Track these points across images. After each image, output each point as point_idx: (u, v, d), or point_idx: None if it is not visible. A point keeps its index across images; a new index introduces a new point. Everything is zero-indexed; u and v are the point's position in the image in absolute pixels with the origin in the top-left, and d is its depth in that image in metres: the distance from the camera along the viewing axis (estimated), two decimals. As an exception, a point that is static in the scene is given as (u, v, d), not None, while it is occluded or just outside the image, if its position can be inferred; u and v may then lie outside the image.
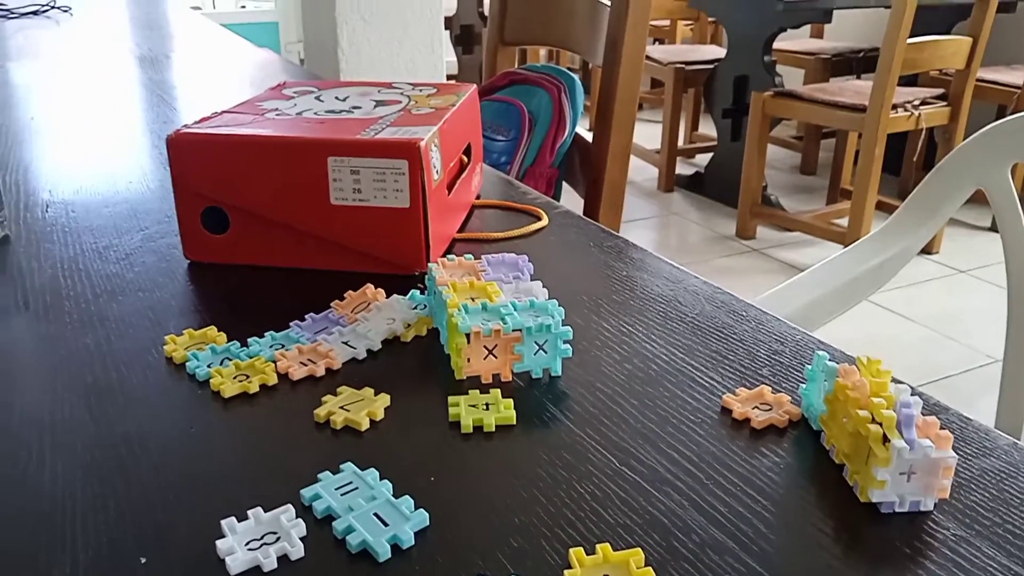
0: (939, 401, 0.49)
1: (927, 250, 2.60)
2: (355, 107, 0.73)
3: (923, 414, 0.45)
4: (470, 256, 0.58)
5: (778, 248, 2.70)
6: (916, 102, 2.46)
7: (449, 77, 3.00)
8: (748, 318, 0.58)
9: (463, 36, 3.78)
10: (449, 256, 0.58)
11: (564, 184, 1.48)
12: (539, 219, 0.76)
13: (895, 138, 2.52)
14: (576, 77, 1.45)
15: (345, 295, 0.59)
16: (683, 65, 3.12)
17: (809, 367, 0.47)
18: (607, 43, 1.32)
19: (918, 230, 1.03)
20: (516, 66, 1.62)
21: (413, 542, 0.38)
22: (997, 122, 0.99)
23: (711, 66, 3.07)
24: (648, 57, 3.30)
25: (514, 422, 0.46)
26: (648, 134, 3.47)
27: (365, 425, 0.46)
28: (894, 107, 2.36)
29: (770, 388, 0.49)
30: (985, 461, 0.44)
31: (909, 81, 2.76)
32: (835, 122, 2.60)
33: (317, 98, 0.76)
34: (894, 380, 0.45)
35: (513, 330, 0.50)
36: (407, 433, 0.46)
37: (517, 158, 1.43)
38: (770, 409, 0.47)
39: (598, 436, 0.46)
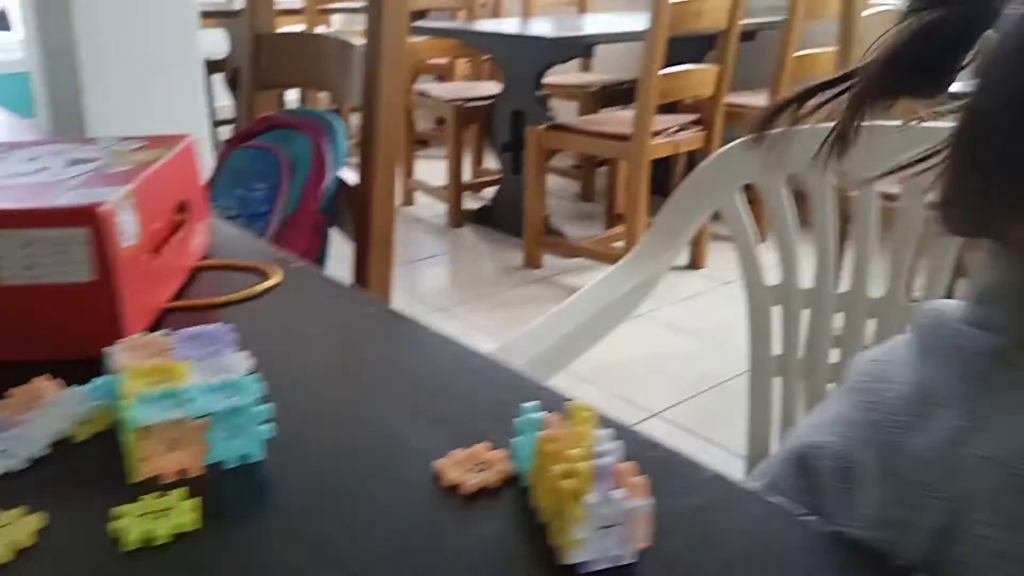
0: (648, 438, 0.48)
1: (695, 265, 2.78)
2: (42, 168, 0.64)
3: (640, 453, 0.44)
4: (167, 331, 0.52)
5: (563, 275, 2.79)
6: (675, 128, 2.64)
7: (223, 123, 2.85)
8: (473, 369, 0.56)
9: (237, 79, 3.62)
10: (135, 335, 0.51)
11: (334, 230, 1.43)
12: (269, 278, 0.71)
13: (661, 162, 2.68)
14: (337, 120, 1.40)
15: (9, 392, 0.50)
16: (462, 102, 3.17)
17: (518, 420, 0.45)
18: (364, 86, 1.29)
19: (664, 254, 1.08)
20: (279, 110, 1.55)
21: None
22: (725, 147, 1.05)
23: (489, 102, 3.14)
24: (427, 95, 3.32)
25: (198, 526, 0.41)
26: (435, 170, 3.49)
27: (6, 558, 0.39)
28: (655, 134, 2.52)
29: (487, 446, 0.47)
30: (690, 499, 0.44)
31: (670, 108, 2.96)
32: (604, 151, 2.73)
33: (0, 161, 0.67)
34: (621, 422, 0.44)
35: (197, 417, 0.44)
36: (62, 560, 0.39)
37: (278, 206, 1.36)
38: (485, 469, 0.45)
39: (296, 530, 0.41)
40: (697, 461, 0.46)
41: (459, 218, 3.28)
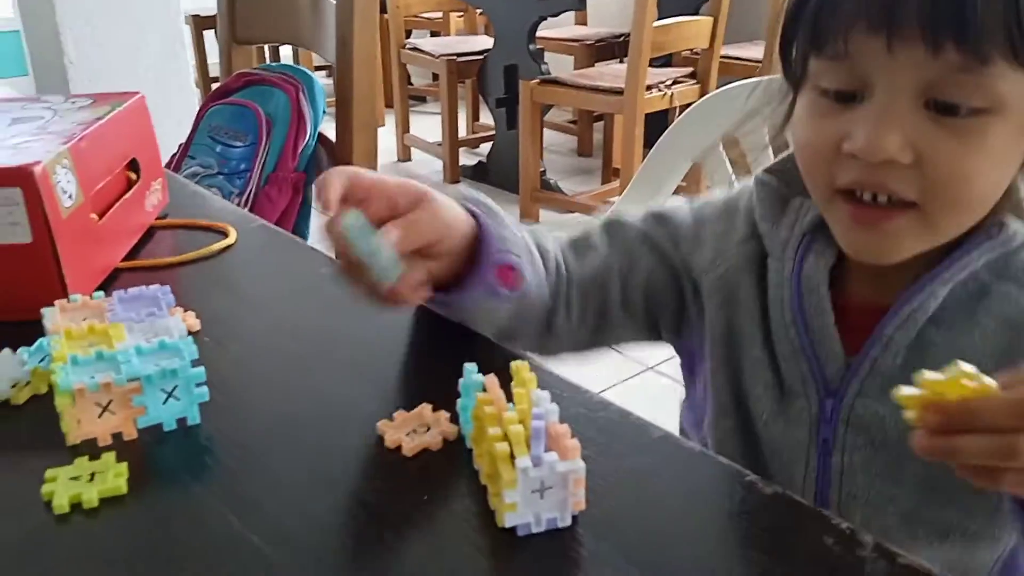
0: (604, 399, 0.47)
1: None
2: (-18, 127, 0.62)
3: (591, 414, 0.43)
4: (100, 294, 0.50)
5: (559, 230, 2.76)
6: (668, 82, 2.58)
7: (213, 80, 2.81)
8: (425, 330, 0.55)
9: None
10: (72, 297, 0.50)
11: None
12: (225, 236, 0.69)
13: (658, 116, 2.64)
14: (314, 75, 1.37)
15: (-55, 356, 0.49)
16: (455, 57, 3.11)
17: (463, 380, 0.43)
18: (338, 42, 1.25)
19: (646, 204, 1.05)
20: (255, 65, 1.52)
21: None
22: (704, 97, 1.02)
23: (483, 56, 3.08)
24: (420, 50, 3.26)
25: (123, 491, 0.40)
26: (431, 126, 3.44)
27: (-68, 522, 0.38)
28: (648, 88, 2.47)
29: (431, 406, 0.46)
30: (637, 460, 0.42)
31: (665, 62, 2.90)
32: (597, 106, 2.68)
33: (-61, 119, 0.65)
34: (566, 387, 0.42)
35: (129, 380, 0.43)
36: (-13, 523, 0.38)
37: (257, 164, 1.33)
38: (428, 430, 0.44)
39: (226, 495, 0.40)
40: (648, 422, 0.45)
41: (455, 174, 3.24)
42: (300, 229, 1.36)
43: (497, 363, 0.48)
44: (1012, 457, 0.35)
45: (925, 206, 0.46)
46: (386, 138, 3.69)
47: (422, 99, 4.07)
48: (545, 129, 3.05)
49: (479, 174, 3.22)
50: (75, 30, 1.93)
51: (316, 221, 1.39)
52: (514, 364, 0.42)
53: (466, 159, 3.35)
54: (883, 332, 0.50)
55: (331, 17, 1.26)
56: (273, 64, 1.46)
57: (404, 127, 3.45)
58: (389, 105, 3.63)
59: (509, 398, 0.40)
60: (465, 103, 3.66)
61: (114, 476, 0.40)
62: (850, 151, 0.46)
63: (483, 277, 0.50)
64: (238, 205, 1.31)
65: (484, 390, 0.41)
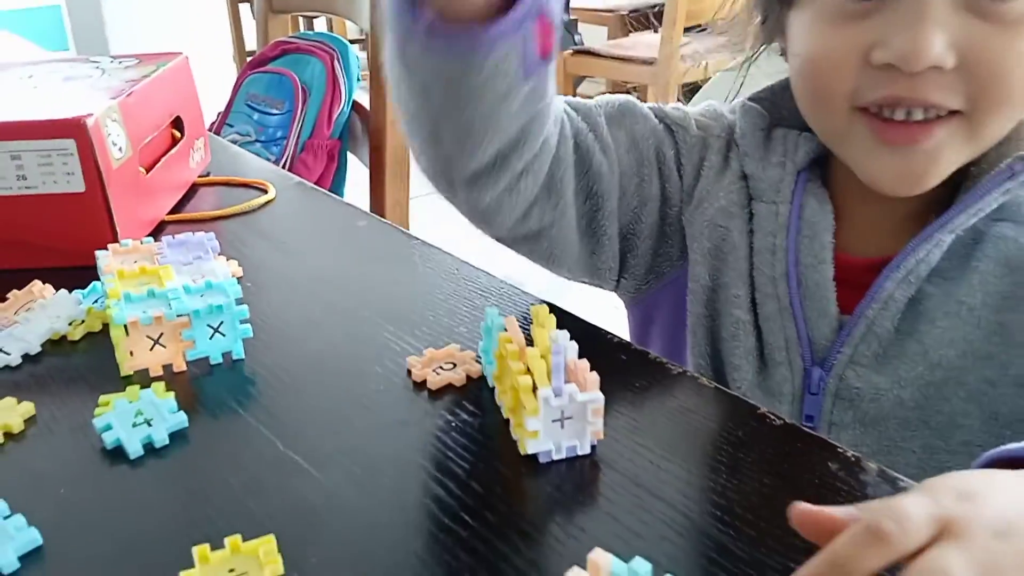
0: (623, 339, 0.49)
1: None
2: (35, 86, 0.65)
3: (613, 351, 0.45)
4: (149, 239, 0.53)
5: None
6: (703, 51, 2.57)
7: (249, 53, 2.84)
8: (456, 276, 0.57)
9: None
10: (124, 241, 0.53)
11: (350, 155, 1.44)
12: (265, 192, 0.72)
13: (693, 86, 2.62)
14: (348, 43, 1.39)
15: (8, 295, 0.53)
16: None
17: (484, 323, 0.46)
18: (371, 8, 1.27)
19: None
20: (290, 34, 1.54)
21: (17, 565, 0.33)
22: (722, 70, 1.02)
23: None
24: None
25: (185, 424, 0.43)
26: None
27: (-1, 440, 0.41)
28: (683, 58, 2.46)
29: (459, 346, 0.48)
30: (654, 394, 0.44)
31: (700, 31, 2.88)
32: (630, 76, 2.67)
33: (-5, 78, 0.68)
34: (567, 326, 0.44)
35: (179, 315, 0.46)
36: (48, 444, 0.41)
37: (293, 131, 1.36)
38: (453, 368, 0.46)
39: (270, 421, 0.43)
40: (666, 360, 0.47)
41: (487, 147, 3.25)
42: (335, 195, 1.39)
43: (519, 308, 0.51)
44: None
45: (971, 113, 0.42)
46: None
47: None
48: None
49: (511, 146, 3.23)
50: (115, 4, 1.98)
51: (350, 187, 1.41)
52: (533, 307, 0.44)
53: (499, 131, 3.35)
54: (883, 287, 0.46)
55: (366, -16, 1.27)
56: (309, 33, 1.48)
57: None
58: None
59: (529, 341, 0.42)
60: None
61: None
62: (884, 61, 0.41)
63: (519, 22, 0.38)
64: (275, 170, 1.34)
65: (505, 330, 0.43)
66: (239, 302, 0.47)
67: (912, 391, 0.46)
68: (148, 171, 0.64)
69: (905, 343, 0.46)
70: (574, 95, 2.84)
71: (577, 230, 0.52)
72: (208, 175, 0.78)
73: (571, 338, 0.41)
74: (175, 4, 1.86)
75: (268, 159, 1.36)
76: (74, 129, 0.55)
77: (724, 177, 0.52)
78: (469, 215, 0.50)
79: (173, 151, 0.69)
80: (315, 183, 1.38)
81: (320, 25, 3.72)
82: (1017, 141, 0.47)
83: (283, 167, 1.35)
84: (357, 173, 1.41)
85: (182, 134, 0.72)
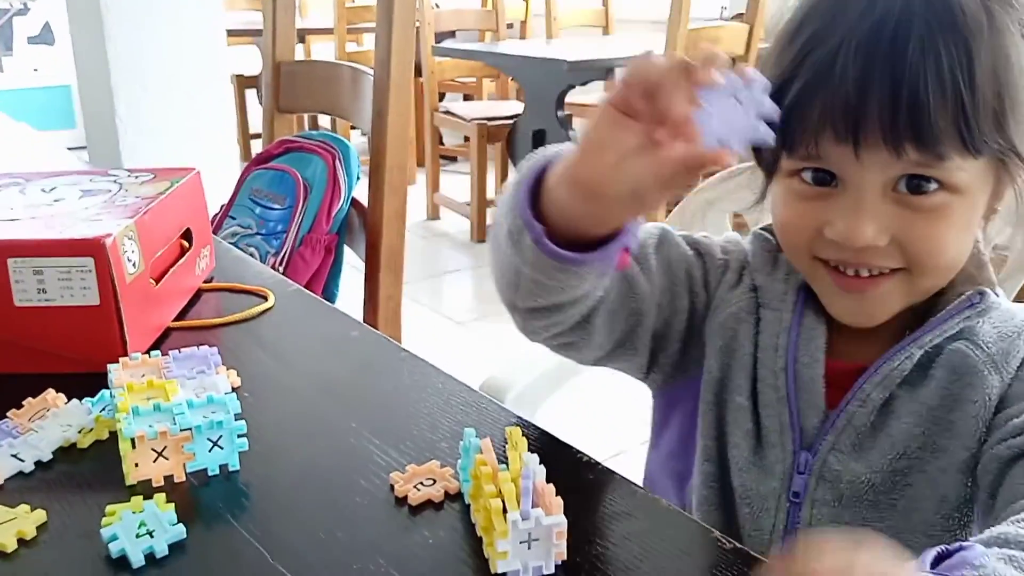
0: (591, 459, 0.53)
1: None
2: (57, 200, 0.71)
3: (581, 471, 0.49)
4: (157, 353, 0.58)
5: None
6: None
7: (254, 136, 2.94)
8: (441, 392, 0.61)
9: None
10: (133, 355, 0.57)
11: (347, 249, 1.49)
12: (265, 299, 0.77)
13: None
14: (350, 143, 1.47)
15: (24, 403, 0.57)
16: (486, 121, 3.24)
17: (463, 443, 0.50)
18: (374, 114, 1.35)
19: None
20: (295, 133, 1.62)
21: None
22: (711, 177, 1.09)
23: (512, 121, 3.21)
24: (453, 113, 3.40)
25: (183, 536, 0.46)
26: (462, 186, 3.56)
27: (12, 546, 0.44)
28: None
29: (439, 463, 0.52)
30: (617, 514, 0.48)
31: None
32: (622, 172, 2.77)
33: (21, 191, 0.74)
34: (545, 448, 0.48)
35: (182, 430, 0.50)
36: (58, 551, 0.45)
37: (293, 225, 1.42)
38: (433, 484, 0.50)
39: (260, 533, 0.46)
40: (631, 481, 0.51)
41: (483, 233, 3.34)
42: (330, 288, 1.44)
43: (498, 425, 0.55)
44: None
45: (912, 269, 0.51)
46: (416, 196, 3.81)
47: (453, 159, 4.20)
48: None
49: (505, 233, 3.32)
50: (128, 93, 2.07)
51: (346, 280, 1.47)
52: (508, 429, 0.48)
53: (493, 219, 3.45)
54: (862, 388, 0.54)
55: (368, 89, 1.36)
56: (313, 132, 1.56)
57: (434, 186, 3.57)
58: (421, 164, 3.76)
59: (503, 459, 0.46)
60: (495, 164, 3.78)
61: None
62: (831, 237, 0.51)
63: (610, 249, 0.47)
64: (274, 264, 1.39)
65: (481, 452, 0.48)
66: (238, 417, 0.51)
67: (882, 476, 0.54)
68: (157, 282, 0.69)
69: (878, 436, 0.54)
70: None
71: (614, 339, 0.59)
72: (212, 280, 0.83)
73: (543, 454, 0.45)
74: (185, 95, 1.95)
75: (268, 251, 1.41)
76: (94, 248, 0.60)
77: (737, 288, 0.60)
78: (518, 326, 0.57)
79: (181, 261, 0.74)
80: (312, 275, 1.44)
81: (324, 123, 3.85)
82: (979, 270, 0.56)
83: (282, 260, 1.41)
84: (351, 269, 1.47)
85: (190, 244, 0.77)
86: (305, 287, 1.43)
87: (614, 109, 0.42)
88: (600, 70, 2.80)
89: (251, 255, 1.41)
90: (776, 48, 0.54)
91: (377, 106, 1.33)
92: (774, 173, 0.57)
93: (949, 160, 0.48)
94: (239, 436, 0.51)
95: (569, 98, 3.03)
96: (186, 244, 0.77)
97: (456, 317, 2.63)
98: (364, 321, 1.41)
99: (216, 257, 0.87)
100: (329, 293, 1.45)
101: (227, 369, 0.62)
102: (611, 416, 1.96)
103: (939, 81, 0.47)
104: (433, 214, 3.58)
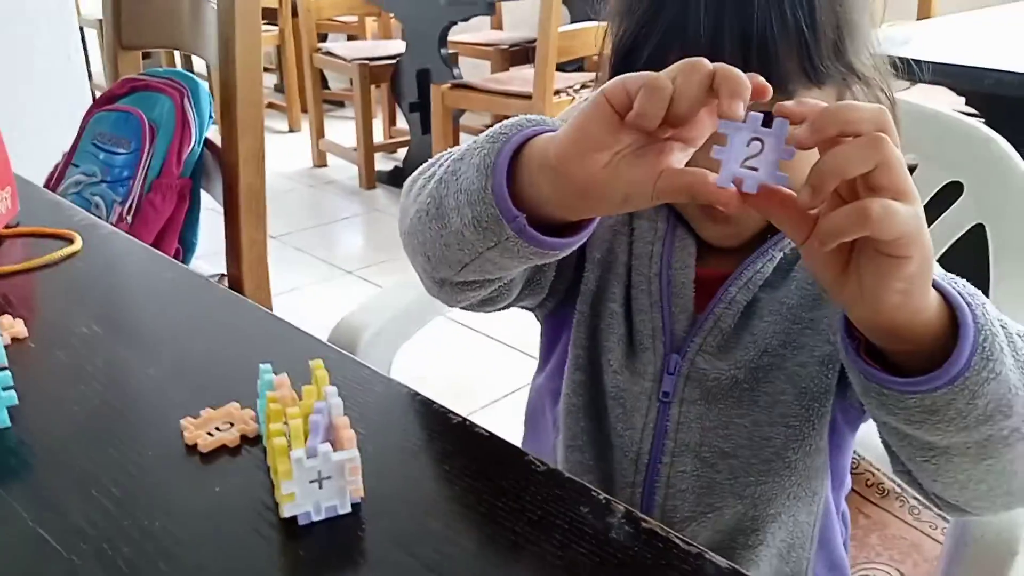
0: (410, 388, 0.49)
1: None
2: None
3: (392, 401, 0.45)
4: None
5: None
6: (577, 86, 2.64)
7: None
8: (256, 331, 0.56)
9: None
10: None
11: (204, 194, 1.40)
12: (71, 243, 0.69)
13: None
14: (200, 81, 1.37)
15: None
16: (368, 61, 3.11)
17: (259, 380, 0.45)
18: (220, 44, 1.25)
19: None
20: (140, 71, 1.50)
21: None
22: (569, 107, 1.06)
23: (396, 61, 3.09)
24: (333, 54, 3.25)
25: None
26: (349, 132, 3.43)
27: None
28: (557, 92, 2.52)
29: (239, 404, 0.47)
30: (431, 445, 0.45)
31: (579, 67, 2.96)
32: (506, 109, 2.72)
33: None
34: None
35: (-71, 386, 0.43)
36: None
37: (140, 171, 1.32)
38: (231, 428, 0.45)
39: (28, 497, 0.41)
40: (448, 410, 0.47)
41: (371, 179, 3.24)
42: (187, 236, 1.35)
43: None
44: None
45: None
46: (302, 143, 3.66)
47: (340, 104, 4.05)
48: (462, 133, 3.08)
49: (395, 179, 3.23)
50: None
51: (204, 227, 1.38)
52: (311, 363, 0.44)
53: (383, 164, 3.35)
54: (727, 292, 0.55)
55: (212, 18, 1.25)
56: (159, 70, 1.44)
57: (319, 132, 3.43)
58: (305, 110, 3.60)
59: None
60: (381, 108, 3.66)
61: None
62: None
63: (589, 229, 0.46)
64: (122, 213, 1.29)
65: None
66: (2, 368, 0.45)
67: (745, 373, 0.56)
68: (-67, 226, 0.61)
69: (741, 335, 0.56)
70: (456, 127, 2.86)
71: (524, 282, 0.58)
72: (17, 225, 0.74)
73: (352, 387, 0.41)
74: (28, 35, 1.79)
75: (114, 200, 1.31)
76: None
77: None
78: (439, 296, 0.55)
79: (-32, 203, 0.66)
80: (165, 224, 1.34)
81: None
82: None
83: (129, 208, 1.31)
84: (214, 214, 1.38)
85: (-20, 184, 0.69)
86: (158, 235, 1.34)
87: (610, 106, 0.39)
88: (481, 4, 2.72)
89: (96, 205, 1.30)
90: (623, 3, 0.53)
91: (223, 37, 1.24)
92: None
93: (796, 95, 0.49)
94: (4, 389, 0.45)
95: (452, 36, 2.94)
96: (-25, 185, 0.69)
97: (346, 266, 2.56)
98: (227, 269, 1.33)
99: (31, 202, 0.78)
100: (187, 242, 1.36)
101: (12, 319, 0.56)
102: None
103: (783, 25, 0.48)
104: (320, 161, 3.46)
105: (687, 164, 0.40)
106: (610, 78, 0.54)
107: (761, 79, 0.38)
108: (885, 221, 0.35)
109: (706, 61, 0.38)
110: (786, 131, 0.37)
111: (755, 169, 0.37)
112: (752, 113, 0.38)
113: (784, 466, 0.56)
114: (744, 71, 0.46)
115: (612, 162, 0.39)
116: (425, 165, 0.54)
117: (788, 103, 0.37)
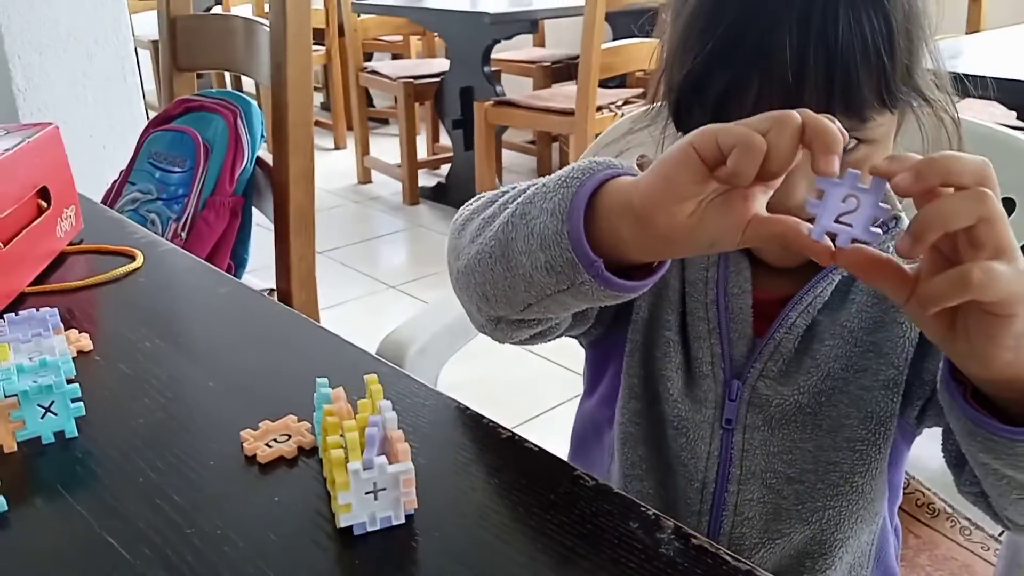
0: (460, 403, 0.50)
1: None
2: None
3: (441, 417, 0.46)
4: (-9, 317, 0.53)
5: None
6: (620, 102, 2.65)
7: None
8: (310, 345, 0.58)
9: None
10: (-38, 320, 0.52)
11: (256, 212, 1.44)
12: (132, 260, 0.72)
13: (610, 136, 2.69)
14: (252, 101, 1.40)
15: None
16: (412, 79, 3.15)
17: (316, 394, 0.47)
18: (272, 66, 1.29)
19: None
20: (195, 92, 1.55)
21: None
22: (617, 121, 1.07)
23: (439, 79, 3.13)
24: (378, 72, 3.31)
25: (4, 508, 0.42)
26: (393, 148, 3.48)
27: None
28: (599, 108, 2.53)
29: (296, 418, 0.49)
30: (481, 459, 0.46)
31: (620, 83, 2.96)
32: (549, 126, 2.74)
33: None
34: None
35: (7, 396, 0.46)
36: None
37: (194, 189, 1.36)
38: (288, 439, 0.47)
39: (96, 505, 0.43)
40: (498, 424, 0.48)
41: (415, 195, 3.28)
42: (239, 252, 1.38)
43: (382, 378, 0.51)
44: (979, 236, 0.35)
45: None
46: (347, 160, 3.72)
47: (384, 121, 4.11)
48: (505, 149, 3.10)
49: (439, 195, 3.26)
50: (23, 59, 1.95)
51: (254, 243, 1.41)
52: (365, 377, 0.45)
53: (426, 180, 3.39)
54: (787, 316, 0.55)
55: (265, 42, 1.29)
56: (213, 91, 1.49)
57: (364, 149, 3.48)
58: (351, 128, 3.66)
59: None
60: (425, 125, 3.70)
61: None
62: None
63: (663, 269, 0.45)
64: (177, 230, 1.33)
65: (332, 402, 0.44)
66: (74, 380, 0.47)
67: (808, 398, 0.56)
68: (6, 244, 0.64)
69: (803, 360, 0.56)
70: (498, 144, 2.88)
71: (573, 316, 0.56)
72: (80, 242, 0.77)
73: (403, 401, 0.42)
74: (85, 59, 1.85)
75: (169, 217, 1.35)
76: (-86, 207, 0.55)
77: None
78: (492, 334, 0.54)
79: (37, 222, 0.69)
80: (218, 240, 1.38)
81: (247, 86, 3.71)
82: (890, 200, 0.55)
83: (184, 224, 1.35)
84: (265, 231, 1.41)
85: (49, 204, 0.72)
86: (211, 251, 1.38)
87: (698, 156, 0.38)
88: (525, 23, 2.75)
89: (152, 222, 1.34)
90: (687, 29, 0.51)
91: (275, 59, 1.27)
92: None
93: (871, 120, 0.49)
94: (73, 401, 0.47)
95: (495, 53, 2.97)
96: (44, 204, 0.72)
97: (390, 281, 2.59)
98: (277, 284, 1.36)
99: (93, 220, 0.81)
100: (238, 257, 1.40)
101: (78, 333, 0.58)
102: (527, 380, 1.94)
103: (864, 53, 0.47)
104: (364, 178, 3.51)
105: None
106: (667, 99, 0.54)
107: (840, 128, 0.37)
108: (988, 286, 0.34)
109: (795, 114, 0.37)
110: (884, 190, 0.37)
111: (849, 225, 0.36)
112: (850, 171, 0.37)
113: (852, 490, 0.55)
114: (828, 98, 0.47)
115: (698, 211, 0.39)
116: (474, 204, 0.53)
117: (882, 163, 0.37)
